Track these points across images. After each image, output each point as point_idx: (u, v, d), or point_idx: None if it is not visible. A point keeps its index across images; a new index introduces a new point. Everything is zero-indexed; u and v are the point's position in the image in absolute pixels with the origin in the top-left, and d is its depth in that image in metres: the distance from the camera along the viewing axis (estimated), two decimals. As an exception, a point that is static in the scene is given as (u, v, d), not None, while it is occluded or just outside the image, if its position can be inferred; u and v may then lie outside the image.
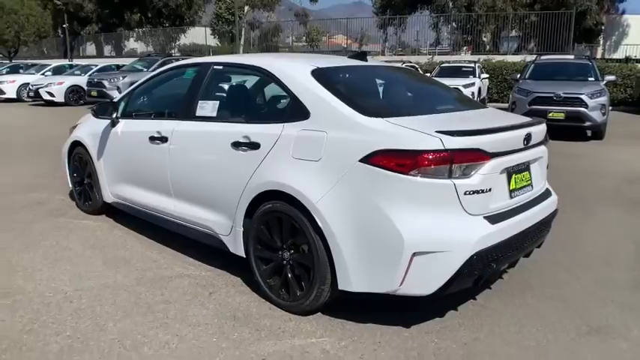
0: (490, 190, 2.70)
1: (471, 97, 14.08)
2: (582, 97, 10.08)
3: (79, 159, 5.03)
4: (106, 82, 16.25)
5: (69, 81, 18.80)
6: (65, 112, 15.40)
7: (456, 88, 13.90)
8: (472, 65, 17.04)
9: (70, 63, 25.55)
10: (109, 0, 35.05)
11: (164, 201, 3.96)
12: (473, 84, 15.46)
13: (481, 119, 3.17)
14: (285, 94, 3.19)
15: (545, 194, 3.29)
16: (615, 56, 27.93)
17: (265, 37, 32.17)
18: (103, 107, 4.67)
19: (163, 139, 3.83)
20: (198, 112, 3.68)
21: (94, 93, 16.42)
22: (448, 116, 3.15)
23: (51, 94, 18.25)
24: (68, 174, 5.28)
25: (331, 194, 2.75)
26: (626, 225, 4.86)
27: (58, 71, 21.60)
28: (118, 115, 4.40)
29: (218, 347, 2.70)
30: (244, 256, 3.35)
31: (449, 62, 19.01)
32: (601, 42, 27.25)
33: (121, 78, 16.24)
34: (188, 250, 4.02)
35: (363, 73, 3.70)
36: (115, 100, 4.66)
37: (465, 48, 29.04)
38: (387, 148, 2.61)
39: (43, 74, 21.26)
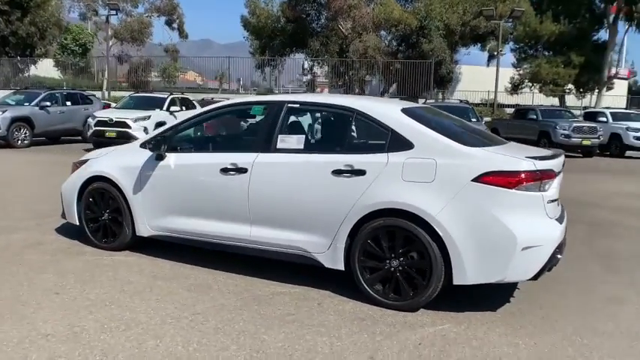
0: (556, 199, 3.66)
1: None
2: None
3: (100, 194, 4.94)
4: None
5: None
6: None
7: None
8: None
9: None
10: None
11: (238, 228, 4.23)
12: None
13: (529, 150, 4.11)
14: (380, 128, 3.84)
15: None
16: (453, 100, 32.78)
17: (135, 71, 31.18)
18: (146, 142, 4.74)
19: (241, 170, 4.15)
20: (280, 145, 4.11)
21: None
22: (508, 146, 4.08)
23: None
24: (76, 211, 5.09)
25: (448, 207, 3.46)
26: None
27: None
28: (165, 149, 4.54)
29: (374, 340, 3.18)
30: (343, 269, 3.85)
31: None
32: (449, 88, 31.77)
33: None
34: (259, 273, 4.31)
35: (433, 111, 4.47)
36: (154, 134, 4.77)
37: (318, 90, 31.58)
38: (494, 170, 3.42)
39: None
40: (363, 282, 3.76)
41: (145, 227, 4.73)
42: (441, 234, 3.46)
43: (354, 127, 3.99)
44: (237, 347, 3.06)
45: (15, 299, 3.71)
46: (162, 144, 4.52)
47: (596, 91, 32.37)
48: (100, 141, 14.10)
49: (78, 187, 5.05)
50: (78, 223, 5.14)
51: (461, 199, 3.45)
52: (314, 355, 3.00)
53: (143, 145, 4.79)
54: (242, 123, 4.56)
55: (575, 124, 17.59)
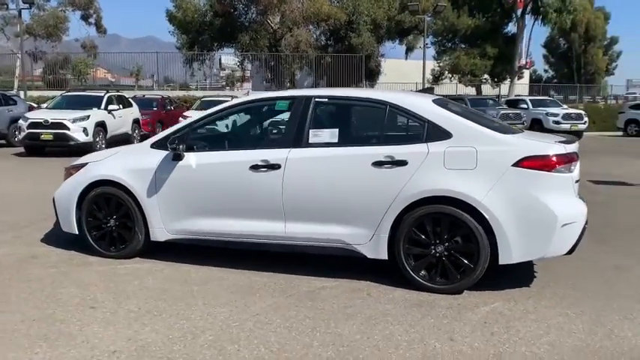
0: (578, 180, 3.98)
1: None
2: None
3: (105, 200, 4.64)
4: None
5: None
6: None
7: None
8: (229, 100, 18.67)
9: None
10: None
11: (271, 225, 4.17)
12: None
13: (549, 136, 4.37)
14: (416, 120, 3.96)
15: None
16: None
17: (52, 68, 28.97)
18: (159, 142, 4.52)
19: (274, 167, 4.09)
20: (312, 140, 4.10)
21: None
22: (530, 134, 4.35)
23: None
24: (75, 220, 4.74)
25: (492, 192, 3.66)
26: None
27: None
28: (184, 149, 4.36)
29: (443, 323, 3.31)
30: (386, 259, 3.94)
31: (210, 97, 20.42)
32: (378, 80, 32.71)
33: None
34: (290, 270, 4.29)
35: (453, 102, 4.61)
36: (167, 134, 4.56)
37: (238, 84, 31.23)
38: (532, 155, 3.67)
39: None
40: (409, 269, 3.88)
41: (161, 231, 4.51)
42: (487, 217, 3.65)
43: (388, 120, 4.07)
44: (319, 344, 3.06)
45: (50, 317, 3.42)
46: (179, 143, 4.33)
47: (509, 80, 34.79)
48: (34, 144, 13.10)
49: (78, 193, 4.70)
50: (77, 232, 4.79)
51: (503, 183, 3.67)
52: (397, 342, 3.07)
53: (155, 146, 4.56)
54: (253, 119, 4.48)
55: (502, 112, 18.92)
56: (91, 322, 3.35)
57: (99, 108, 14.20)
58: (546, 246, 3.68)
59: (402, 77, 33.89)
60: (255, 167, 4.15)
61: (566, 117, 19.52)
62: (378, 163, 3.88)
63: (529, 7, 31.15)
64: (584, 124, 19.68)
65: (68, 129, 12.87)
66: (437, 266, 3.84)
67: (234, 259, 4.51)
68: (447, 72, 34.39)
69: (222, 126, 4.75)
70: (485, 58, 32.24)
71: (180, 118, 18.35)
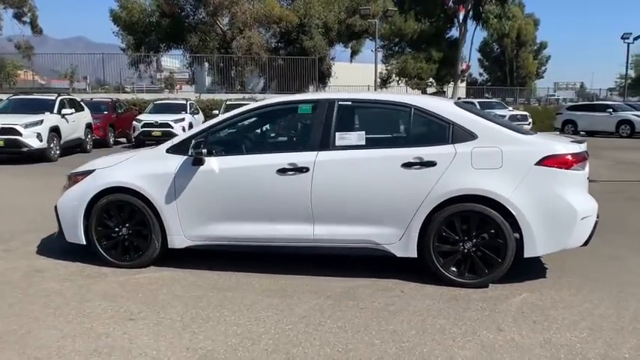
0: (588, 177, 4.29)
1: (182, 132, 16.07)
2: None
3: (118, 207, 4.48)
4: None
5: None
6: None
7: (167, 123, 16.51)
8: (184, 102, 18.88)
9: None
10: None
11: (299, 228, 4.20)
12: (183, 119, 17.10)
13: (560, 137, 4.68)
14: (441, 122, 4.11)
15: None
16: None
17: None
18: (175, 147, 4.42)
19: (302, 170, 4.12)
20: (339, 143, 4.17)
21: None
22: (544, 134, 4.62)
23: None
24: (82, 229, 4.55)
25: (518, 190, 3.88)
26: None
27: None
28: (206, 153, 4.29)
29: (484, 315, 3.48)
30: (416, 257, 4.08)
31: (162, 100, 20.39)
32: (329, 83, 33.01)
33: None
34: (315, 271, 4.34)
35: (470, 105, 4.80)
36: (184, 138, 4.47)
37: (177, 87, 30.43)
38: (553, 154, 3.93)
39: None
40: (439, 266, 4.03)
41: (180, 238, 4.41)
42: (514, 214, 3.87)
43: (413, 122, 4.20)
44: (380, 342, 3.13)
45: (90, 332, 3.28)
46: (200, 148, 4.25)
47: (452, 83, 36.26)
48: (-21, 151, 12.21)
49: (86, 201, 4.50)
50: (84, 242, 4.59)
51: (527, 181, 3.90)
52: (451, 335, 3.20)
53: (171, 151, 4.46)
54: (276, 122, 4.49)
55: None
56: (137, 334, 3.25)
57: (51, 112, 13.49)
58: (567, 238, 3.95)
59: (351, 80, 34.39)
60: (282, 171, 4.15)
61: (512, 118, 20.61)
62: (408, 165, 4.01)
63: (471, 13, 32.64)
64: (528, 124, 20.88)
65: (20, 135, 12.14)
66: (465, 262, 4.01)
67: (251, 263, 4.50)
68: (394, 75, 35.32)
69: (242, 130, 4.71)
70: (431, 62, 33.45)
71: (135, 123, 18.09)
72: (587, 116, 22.22)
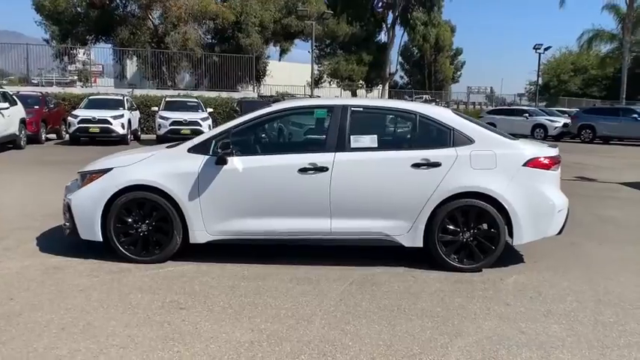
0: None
1: (122, 129, 16.54)
2: (199, 120, 17.09)
3: (138, 205, 4.63)
4: None
5: None
6: None
7: (106, 120, 16.49)
8: (121, 98, 18.40)
9: None
10: None
11: (318, 222, 4.61)
12: (122, 115, 16.85)
13: (535, 142, 5.38)
14: (442, 127, 4.70)
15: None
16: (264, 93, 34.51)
17: None
18: (197, 147, 4.64)
19: (322, 169, 4.53)
20: (354, 145, 4.63)
21: None
22: (524, 139, 5.31)
23: None
24: (100, 226, 4.65)
25: (509, 187, 4.56)
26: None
27: None
28: (228, 153, 4.56)
29: (489, 293, 4.10)
30: (422, 246, 4.64)
31: (99, 94, 19.97)
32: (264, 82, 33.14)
33: None
34: (323, 261, 4.77)
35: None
36: (205, 139, 4.70)
37: (92, 79, 29.15)
38: (536, 156, 4.65)
39: None
40: (442, 254, 4.61)
41: (202, 233, 4.65)
42: (507, 208, 4.54)
43: (419, 127, 4.75)
44: (416, 317, 3.64)
45: (151, 321, 3.49)
46: (224, 148, 4.52)
47: (380, 85, 37.81)
48: None
49: (105, 199, 4.61)
50: (101, 239, 4.69)
51: (516, 180, 4.59)
52: (472, 311, 3.78)
53: (193, 150, 4.68)
54: (294, 125, 4.85)
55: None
56: (196, 320, 3.51)
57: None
58: (547, 228, 4.70)
59: (283, 79, 34.84)
60: (303, 170, 4.54)
61: None
62: (416, 165, 4.56)
63: (399, 19, 34.25)
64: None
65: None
66: (464, 250, 4.63)
67: (266, 255, 4.85)
68: (325, 76, 36.18)
69: (261, 131, 5.01)
70: (362, 65, 34.67)
71: (70, 118, 17.25)
72: (506, 120, 24.24)
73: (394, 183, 4.58)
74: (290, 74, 35.40)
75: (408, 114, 4.83)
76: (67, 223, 4.93)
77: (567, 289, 4.28)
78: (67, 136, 17.21)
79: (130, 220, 4.66)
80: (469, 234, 4.61)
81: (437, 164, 4.56)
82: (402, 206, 4.58)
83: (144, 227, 4.66)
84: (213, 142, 4.68)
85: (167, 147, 5.03)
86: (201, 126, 16.95)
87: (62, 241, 5.25)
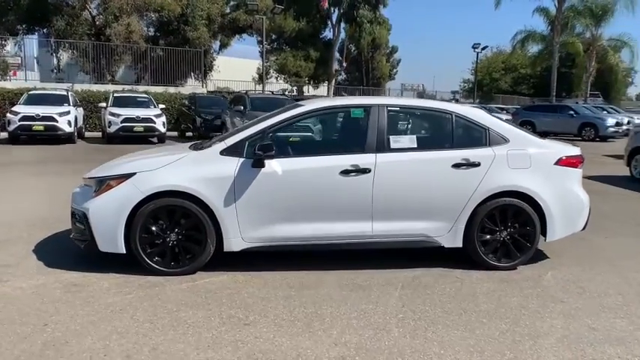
0: (580, 174, 5.23)
1: (69, 127, 15.53)
2: (152, 117, 16.41)
3: (168, 212, 4.28)
4: None
5: None
6: None
7: (51, 117, 15.50)
8: (65, 94, 17.24)
9: None
10: None
11: (359, 225, 4.48)
12: (68, 112, 15.81)
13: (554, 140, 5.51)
14: (478, 127, 4.71)
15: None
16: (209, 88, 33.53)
17: None
18: (230, 149, 4.36)
19: (364, 171, 4.40)
20: (394, 145, 4.54)
21: None
22: (550, 139, 5.40)
23: None
24: (123, 237, 4.26)
25: (544, 185, 4.65)
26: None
27: None
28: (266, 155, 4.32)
29: (535, 291, 4.17)
30: (461, 246, 4.64)
31: (38, 89, 18.50)
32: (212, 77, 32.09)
33: None
34: (375, 265, 4.65)
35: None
36: (238, 141, 4.42)
37: (11, 73, 26.97)
38: (566, 155, 4.78)
39: None
40: (481, 253, 4.63)
41: (237, 241, 4.38)
42: (542, 205, 4.63)
43: (455, 127, 4.73)
44: (487, 320, 3.61)
45: (222, 340, 3.22)
46: (262, 150, 4.28)
47: (327, 82, 37.90)
48: None
49: (130, 207, 4.22)
50: (124, 251, 4.30)
51: (549, 178, 4.69)
52: (533, 308, 3.81)
53: (226, 153, 4.39)
54: (330, 125, 4.68)
55: None
56: (270, 337, 3.29)
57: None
58: (576, 224, 4.84)
59: (234, 74, 33.95)
60: (345, 172, 4.39)
61: None
62: (457, 165, 4.54)
63: (345, 17, 34.42)
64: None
65: None
66: (501, 248, 4.68)
67: (293, 261, 4.63)
68: (272, 71, 35.72)
69: (296, 132, 4.78)
70: (309, 61, 34.55)
71: (10, 115, 15.85)
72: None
73: (435, 184, 4.54)
74: (236, 70, 34.60)
75: (444, 113, 4.80)
76: (80, 235, 4.49)
77: (604, 283, 4.43)
78: (6, 134, 15.83)
79: (157, 229, 4.30)
80: (506, 232, 4.66)
81: (476, 164, 4.57)
82: (443, 207, 4.55)
83: (173, 236, 4.32)
84: (247, 143, 4.42)
85: (192, 149, 4.70)
86: (155, 123, 16.39)
87: (63, 253, 4.83)
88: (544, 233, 4.73)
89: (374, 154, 4.47)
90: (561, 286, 4.33)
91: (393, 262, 4.70)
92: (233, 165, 4.33)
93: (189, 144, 5.12)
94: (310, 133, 4.76)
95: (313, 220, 4.44)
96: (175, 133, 20.00)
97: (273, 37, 35.59)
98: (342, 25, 36.08)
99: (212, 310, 3.66)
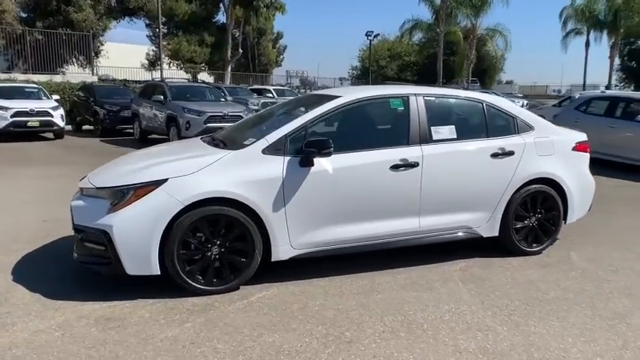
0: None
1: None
2: (49, 110, 14.42)
3: (211, 222, 3.72)
4: None
5: None
6: None
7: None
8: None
9: None
10: None
11: (407, 222, 4.30)
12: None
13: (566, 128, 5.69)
14: (506, 116, 4.74)
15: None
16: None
17: None
18: (272, 147, 3.89)
19: (413, 165, 4.21)
20: (435, 137, 4.40)
21: None
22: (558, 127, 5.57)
23: None
24: (157, 256, 3.63)
25: (565, 170, 4.84)
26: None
27: None
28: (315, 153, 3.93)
29: (585, 273, 4.34)
30: (497, 235, 4.67)
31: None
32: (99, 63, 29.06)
33: None
34: (384, 265, 4.50)
35: None
36: (279, 137, 3.95)
37: None
38: (580, 141, 5.02)
39: None
40: (515, 241, 4.71)
41: (286, 248, 3.96)
42: (565, 190, 4.81)
43: (487, 116, 4.70)
44: (556, 309, 3.65)
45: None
46: (312, 147, 3.88)
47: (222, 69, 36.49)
48: None
49: (167, 219, 3.59)
50: (159, 272, 3.67)
51: (568, 163, 4.89)
52: (592, 291, 3.95)
53: (268, 151, 3.90)
54: (371, 117, 4.41)
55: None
56: (390, 352, 2.98)
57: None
58: (587, 206, 5.13)
59: (122, 61, 31.26)
60: (395, 167, 4.16)
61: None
62: (495, 155, 4.53)
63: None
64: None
65: None
66: (530, 234, 4.79)
67: (323, 266, 4.32)
68: (165, 57, 33.51)
69: (336, 126, 4.37)
70: (204, 46, 33.00)
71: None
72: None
73: (477, 174, 4.49)
74: (122, 56, 31.88)
75: (475, 102, 4.75)
76: (95, 258, 3.74)
77: (627, 260, 4.73)
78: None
79: (196, 242, 3.71)
80: (534, 218, 4.78)
81: (511, 153, 4.60)
82: (484, 197, 4.53)
83: (215, 250, 3.76)
84: (288, 140, 3.98)
85: (221, 148, 4.13)
86: (52, 117, 14.70)
87: (66, 279, 4.07)
88: (564, 217, 4.93)
89: (419, 147, 4.29)
90: (595, 265, 4.56)
91: (423, 257, 4.59)
92: (279, 165, 3.87)
93: (204, 139, 4.52)
94: (348, 127, 4.41)
95: (365, 220, 4.16)
96: (70, 127, 17.90)
97: (164, 20, 33.25)
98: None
99: (298, 330, 3.25)
